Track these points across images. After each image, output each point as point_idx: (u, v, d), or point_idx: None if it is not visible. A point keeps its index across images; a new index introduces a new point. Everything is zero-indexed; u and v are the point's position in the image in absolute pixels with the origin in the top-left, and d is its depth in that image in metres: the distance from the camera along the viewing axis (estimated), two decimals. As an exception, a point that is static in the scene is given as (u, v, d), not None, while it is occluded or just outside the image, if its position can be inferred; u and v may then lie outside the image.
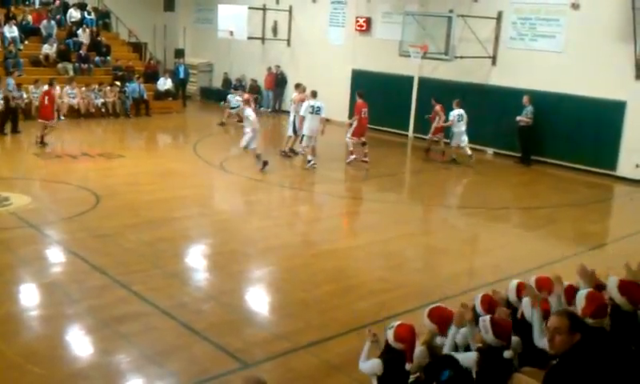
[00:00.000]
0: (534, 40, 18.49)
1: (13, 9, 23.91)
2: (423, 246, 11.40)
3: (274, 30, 25.50)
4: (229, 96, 22.45)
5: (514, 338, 5.02)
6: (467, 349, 5.11)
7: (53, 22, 23.92)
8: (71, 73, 22.54)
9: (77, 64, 23.02)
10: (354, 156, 16.90)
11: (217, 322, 7.58)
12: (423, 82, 19.81)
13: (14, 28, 22.50)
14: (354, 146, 16.96)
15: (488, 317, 4.97)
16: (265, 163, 14.93)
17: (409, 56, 18.95)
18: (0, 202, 11.67)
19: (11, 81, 19.13)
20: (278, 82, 25.34)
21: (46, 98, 16.93)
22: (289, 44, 25.21)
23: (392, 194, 14.86)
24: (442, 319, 5.29)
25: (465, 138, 17.57)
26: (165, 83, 24.35)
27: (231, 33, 23.37)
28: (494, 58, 19.28)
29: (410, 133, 20.53)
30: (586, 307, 4.84)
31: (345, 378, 6.49)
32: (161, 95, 24.03)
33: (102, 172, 14.64)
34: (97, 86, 21.99)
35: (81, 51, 23.34)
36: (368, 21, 22.35)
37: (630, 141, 16.77)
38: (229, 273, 9.24)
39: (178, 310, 7.72)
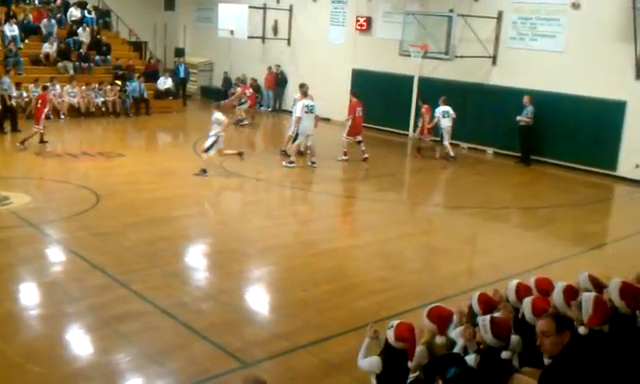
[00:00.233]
0: (534, 40, 18.49)
1: (13, 7, 23.93)
2: (423, 245, 11.40)
3: (275, 30, 25.50)
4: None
5: (515, 338, 5.02)
6: (466, 350, 5.11)
7: (53, 21, 23.92)
8: (71, 72, 22.54)
9: (77, 63, 23.03)
10: (346, 157, 16.93)
11: (216, 322, 7.59)
12: (423, 81, 19.83)
13: (15, 27, 22.50)
14: (348, 145, 17.04)
15: (488, 317, 4.97)
16: (204, 171, 14.56)
17: (409, 55, 18.95)
18: (0, 201, 11.68)
19: (6, 79, 19.11)
20: (279, 81, 25.34)
21: (40, 101, 16.73)
22: (289, 43, 25.22)
23: (392, 194, 14.86)
24: (441, 319, 5.29)
25: (447, 138, 17.96)
26: (165, 82, 24.35)
27: (231, 32, 23.37)
28: (494, 58, 19.29)
29: (410, 132, 20.54)
30: (593, 316, 4.82)
31: (344, 378, 6.49)
32: (161, 94, 24.04)
33: (102, 171, 14.65)
34: (97, 85, 21.99)
35: (81, 50, 23.36)
36: (368, 20, 22.35)
37: (630, 141, 16.77)
38: (228, 272, 9.24)
39: (177, 310, 7.72)
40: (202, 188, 14.06)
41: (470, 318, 5.47)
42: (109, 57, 24.29)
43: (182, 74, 25.81)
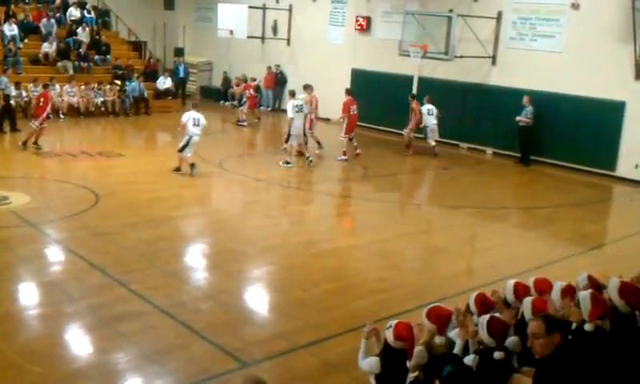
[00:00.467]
0: (533, 40, 18.49)
1: (13, 7, 23.89)
2: (422, 245, 11.41)
3: (274, 29, 25.49)
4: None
5: (513, 338, 5.01)
6: (466, 352, 5.11)
7: (52, 21, 23.89)
8: (71, 71, 22.52)
9: (76, 63, 23.01)
10: (345, 157, 16.98)
11: (215, 322, 7.58)
12: (423, 81, 19.82)
13: (14, 26, 22.47)
14: (347, 145, 17.19)
15: (487, 316, 4.98)
16: (177, 169, 14.47)
17: (409, 55, 18.94)
18: (-1, 200, 11.69)
19: (4, 79, 19.10)
20: (278, 81, 25.33)
21: (42, 99, 16.54)
22: (289, 43, 25.21)
23: (391, 194, 14.86)
24: (440, 319, 5.28)
25: (432, 136, 18.34)
26: (164, 82, 24.34)
27: (231, 32, 23.36)
28: (493, 58, 19.29)
29: (412, 133, 20.51)
30: (593, 310, 4.85)
31: (344, 378, 6.49)
32: (160, 94, 24.02)
33: (102, 171, 14.64)
34: (96, 85, 21.98)
35: (80, 50, 23.34)
36: (368, 20, 22.35)
37: (629, 141, 16.77)
38: (227, 272, 9.24)
39: (176, 309, 7.72)
40: (201, 188, 14.06)
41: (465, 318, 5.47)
42: (108, 56, 24.27)
43: (181, 74, 25.79)
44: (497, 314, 5.20)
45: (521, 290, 5.67)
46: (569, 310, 5.25)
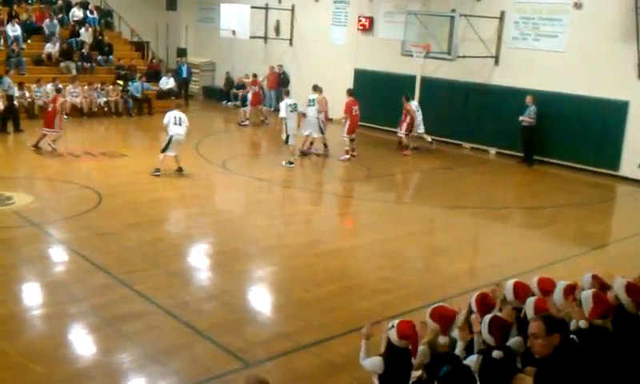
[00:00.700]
0: (536, 40, 18.46)
1: (16, 7, 23.96)
2: (425, 245, 11.40)
3: (277, 30, 25.49)
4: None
5: (517, 339, 5.02)
6: (470, 351, 5.12)
7: (55, 21, 23.95)
8: (74, 72, 22.57)
9: (79, 63, 23.07)
10: (348, 156, 17.02)
11: (218, 322, 7.59)
12: (426, 81, 19.80)
13: (17, 27, 22.53)
14: (350, 144, 17.25)
15: (490, 315, 4.99)
16: (157, 171, 14.21)
17: (411, 55, 18.93)
18: (3, 201, 11.70)
19: (7, 79, 19.13)
20: (281, 81, 25.32)
21: (51, 105, 16.36)
22: (291, 43, 25.22)
23: (394, 194, 14.85)
24: (444, 319, 5.29)
25: (422, 127, 18.85)
26: (167, 82, 24.37)
27: (233, 32, 23.37)
28: (496, 58, 19.26)
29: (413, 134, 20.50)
30: (594, 309, 4.85)
31: (346, 378, 6.50)
32: (163, 94, 24.04)
33: (105, 171, 14.66)
34: (99, 85, 22.02)
35: (83, 50, 23.39)
36: (370, 20, 22.33)
37: (632, 141, 16.74)
38: (230, 272, 9.24)
39: (179, 310, 7.73)
40: (204, 188, 14.08)
41: (469, 318, 5.48)
42: (111, 57, 24.32)
43: (184, 74, 25.81)
44: (499, 314, 5.21)
45: (520, 290, 5.67)
46: (571, 309, 5.25)
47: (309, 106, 17.14)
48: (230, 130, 22.13)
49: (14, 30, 22.29)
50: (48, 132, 15.88)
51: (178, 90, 24.99)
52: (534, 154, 18.06)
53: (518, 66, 18.65)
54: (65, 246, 9.87)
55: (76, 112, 21.18)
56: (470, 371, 4.66)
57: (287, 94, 16.66)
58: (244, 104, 22.64)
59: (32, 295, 8.26)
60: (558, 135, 17.84)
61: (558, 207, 14.09)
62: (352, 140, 17.39)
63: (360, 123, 18.34)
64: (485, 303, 5.54)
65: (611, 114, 17.01)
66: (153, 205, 12.71)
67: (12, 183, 13.08)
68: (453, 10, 18.58)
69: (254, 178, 15.04)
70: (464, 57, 18.56)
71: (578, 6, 17.49)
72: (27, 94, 20.00)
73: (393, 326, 4.99)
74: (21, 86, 19.84)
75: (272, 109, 25.44)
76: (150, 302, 7.90)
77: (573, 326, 5.00)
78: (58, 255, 9.66)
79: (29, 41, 23.11)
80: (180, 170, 14.32)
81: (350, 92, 18.13)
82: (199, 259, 10.13)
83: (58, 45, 22.93)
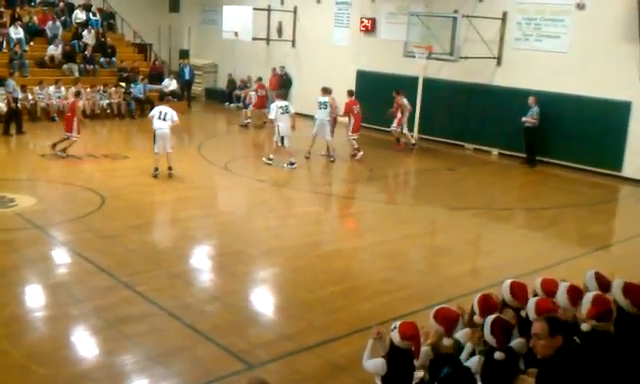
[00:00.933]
0: (538, 40, 18.45)
1: (18, 10, 24.00)
2: (427, 246, 11.40)
3: (279, 31, 25.50)
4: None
5: (519, 340, 5.01)
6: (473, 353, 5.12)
7: (58, 23, 24.00)
8: (76, 74, 22.60)
9: (82, 65, 23.10)
10: (361, 152, 17.08)
11: (221, 323, 7.59)
12: (428, 82, 19.81)
13: (20, 29, 22.58)
14: (357, 141, 17.41)
15: (492, 317, 4.98)
16: (156, 169, 14.20)
17: (414, 57, 18.94)
18: (5, 203, 11.72)
19: (11, 82, 19.17)
20: (283, 83, 25.32)
21: (70, 109, 16.20)
22: (293, 45, 25.23)
23: (396, 195, 14.85)
24: (447, 320, 5.28)
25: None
26: (170, 84, 24.39)
27: (236, 34, 23.39)
28: (498, 59, 19.26)
29: (415, 133, 20.49)
30: (589, 310, 4.85)
31: (349, 379, 6.49)
32: (166, 96, 24.02)
33: (107, 173, 14.68)
34: (102, 87, 22.05)
35: (86, 52, 23.42)
36: (373, 21, 22.34)
37: (635, 141, 16.71)
38: (233, 274, 9.24)
39: (182, 311, 7.74)
40: (206, 190, 14.09)
41: (472, 319, 5.48)
42: (114, 59, 24.34)
43: (186, 76, 25.80)
44: (501, 315, 5.20)
45: (517, 290, 5.65)
46: (575, 310, 5.24)
47: (320, 108, 17.01)
48: (232, 131, 22.14)
49: (16, 32, 22.34)
50: (67, 136, 15.83)
51: (181, 91, 25.02)
52: (536, 154, 18.04)
53: (521, 66, 18.64)
54: (67, 248, 9.88)
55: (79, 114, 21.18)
56: (471, 373, 4.66)
57: (279, 96, 16.70)
58: (246, 106, 22.64)
59: (35, 297, 8.27)
60: (561, 136, 17.82)
61: (560, 208, 14.08)
62: (354, 139, 17.44)
63: (362, 124, 18.34)
64: (487, 304, 5.53)
65: (614, 115, 16.99)
66: (155, 206, 12.75)
67: (15, 185, 13.10)
68: (455, 11, 18.60)
69: (255, 179, 15.04)
70: (466, 58, 18.56)
71: (580, 6, 17.48)
72: (30, 97, 20.03)
73: (395, 328, 4.99)
74: (24, 88, 19.86)
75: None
76: (152, 304, 7.91)
77: (585, 328, 4.99)
78: (61, 257, 9.67)
79: (31, 43, 23.15)
80: (170, 169, 14.13)
81: (350, 93, 18.19)
82: (201, 261, 10.13)
83: (60, 47, 22.97)
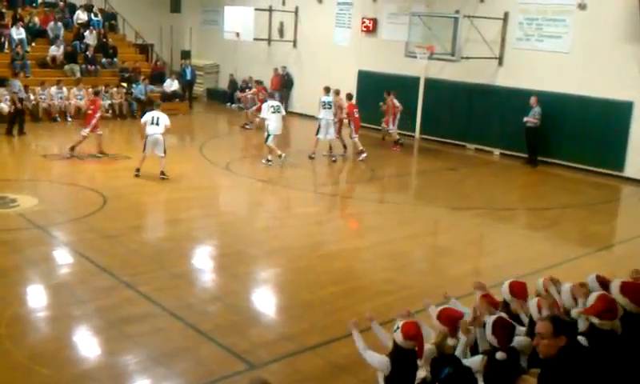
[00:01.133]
0: (540, 40, 18.45)
1: (20, 10, 24.03)
2: (429, 246, 11.40)
3: (280, 31, 25.52)
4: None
5: (522, 339, 5.01)
6: (476, 353, 5.12)
7: (60, 24, 24.02)
8: (78, 74, 22.64)
9: (84, 66, 23.13)
10: (365, 154, 17.20)
11: (223, 323, 7.60)
12: (429, 82, 19.81)
13: (22, 30, 22.62)
14: (360, 141, 17.51)
15: (494, 316, 4.99)
16: (137, 170, 14.16)
17: (415, 57, 18.94)
18: (7, 203, 11.74)
19: (17, 82, 19.19)
20: (285, 83, 25.35)
21: (91, 106, 16.16)
22: (295, 45, 25.24)
23: (398, 195, 14.85)
24: (452, 321, 5.28)
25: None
26: (171, 85, 24.41)
27: (237, 34, 23.40)
28: (500, 59, 19.26)
29: (417, 134, 20.50)
30: (592, 306, 4.86)
31: (351, 379, 6.50)
32: (167, 97, 24.07)
33: (109, 173, 14.70)
34: (103, 88, 22.05)
35: (87, 53, 23.45)
36: (374, 22, 22.35)
37: (637, 141, 16.71)
38: (234, 274, 9.25)
39: (184, 311, 7.74)
40: (207, 190, 14.09)
41: (474, 319, 5.48)
42: (115, 59, 24.37)
43: (188, 77, 25.83)
44: (503, 315, 5.20)
45: (516, 289, 5.65)
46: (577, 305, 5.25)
47: (324, 108, 17.09)
48: (233, 132, 22.15)
49: (18, 33, 22.37)
50: (87, 133, 15.86)
51: (182, 92, 25.04)
52: (538, 154, 18.04)
53: (522, 66, 18.64)
54: (69, 248, 9.89)
55: (80, 114, 21.20)
56: (472, 373, 4.66)
57: (272, 96, 17.09)
58: (247, 107, 22.65)
59: (37, 297, 8.28)
60: (563, 136, 17.83)
61: (562, 208, 14.07)
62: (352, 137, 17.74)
63: (364, 125, 18.41)
64: (490, 305, 5.53)
65: (616, 115, 16.99)
66: (157, 207, 12.77)
67: (17, 186, 13.12)
68: (456, 11, 18.60)
69: (257, 179, 15.05)
70: (468, 58, 18.56)
71: (581, 6, 17.47)
72: (32, 97, 20.05)
73: (398, 328, 4.98)
74: (25, 88, 19.91)
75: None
76: (154, 304, 7.92)
77: (583, 327, 4.99)
78: (63, 257, 9.68)
79: (33, 44, 23.18)
80: (162, 173, 14.05)
81: (349, 96, 18.19)
82: (203, 261, 10.13)
83: (62, 48, 23.00)
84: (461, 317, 5.33)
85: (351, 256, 10.38)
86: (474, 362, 4.82)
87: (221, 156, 17.02)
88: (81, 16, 25.19)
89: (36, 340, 7.10)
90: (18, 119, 18.39)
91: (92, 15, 25.48)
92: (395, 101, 19.13)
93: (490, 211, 13.37)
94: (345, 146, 18.00)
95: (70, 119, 20.85)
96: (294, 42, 25.24)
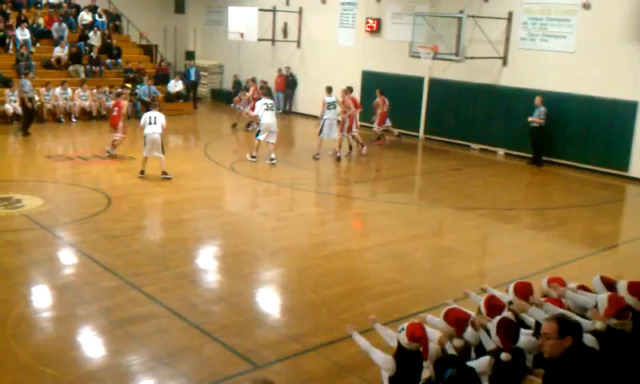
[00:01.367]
0: (544, 40, 18.41)
1: (24, 12, 24.09)
2: (434, 247, 11.37)
3: (284, 32, 25.53)
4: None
5: (531, 339, 5.00)
6: (481, 353, 5.10)
7: (64, 25, 24.07)
8: (82, 75, 22.69)
9: (88, 66, 23.18)
10: (365, 148, 17.48)
11: (227, 324, 7.60)
12: (434, 83, 19.79)
13: (26, 31, 22.68)
14: (360, 136, 17.86)
15: (498, 317, 4.98)
16: (141, 172, 14.21)
17: (419, 57, 18.93)
18: (12, 204, 11.76)
19: (27, 82, 19.22)
20: (289, 83, 25.36)
21: (115, 108, 16.21)
22: (299, 45, 25.25)
23: (402, 195, 14.83)
24: (458, 321, 5.28)
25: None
26: (175, 85, 24.44)
27: (241, 35, 23.41)
28: (504, 59, 19.22)
29: (421, 134, 20.51)
30: (608, 308, 4.84)
31: (355, 380, 6.49)
32: (172, 97, 24.12)
33: (114, 174, 14.72)
34: (108, 88, 22.11)
35: (92, 54, 23.48)
36: (378, 22, 22.34)
37: (642, 141, 16.68)
38: (239, 274, 9.25)
39: (188, 312, 7.75)
40: (211, 190, 14.09)
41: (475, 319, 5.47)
42: (119, 60, 24.41)
43: (192, 77, 25.86)
44: (507, 315, 5.19)
45: (520, 289, 5.64)
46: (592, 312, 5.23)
47: (329, 108, 17.17)
48: (237, 132, 22.12)
49: (23, 33, 22.44)
50: (115, 137, 15.94)
51: (186, 92, 25.07)
52: (542, 154, 18.00)
53: (526, 66, 18.61)
54: (74, 249, 9.91)
55: (85, 115, 21.30)
56: (475, 374, 4.65)
57: (265, 94, 17.47)
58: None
59: (41, 298, 8.30)
60: (567, 136, 17.79)
61: (567, 208, 14.04)
62: (352, 136, 17.91)
63: (367, 125, 18.37)
64: (494, 305, 5.52)
65: (620, 115, 16.94)
66: (161, 207, 12.78)
67: (22, 186, 13.14)
68: (460, 11, 18.57)
69: (261, 180, 15.06)
70: (472, 58, 18.54)
71: (586, 6, 17.43)
72: (36, 98, 20.10)
73: (403, 329, 4.97)
74: (30, 89, 19.96)
75: (280, 111, 25.48)
76: (158, 304, 7.92)
77: (590, 326, 4.97)
78: (68, 258, 9.70)
79: (38, 45, 23.24)
80: (164, 173, 14.09)
81: (349, 90, 18.30)
82: (208, 261, 10.14)
83: (66, 48, 23.05)
84: (467, 317, 5.32)
85: (356, 256, 10.37)
86: (481, 363, 4.81)
87: (225, 156, 17.04)
88: (85, 17, 25.25)
89: (41, 340, 7.11)
90: (24, 119, 18.44)
91: (96, 16, 25.53)
92: (386, 100, 19.16)
93: (495, 211, 13.35)
94: (351, 147, 18.00)
95: (74, 120, 20.89)
96: (298, 43, 25.25)
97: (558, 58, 17.99)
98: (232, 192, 14.64)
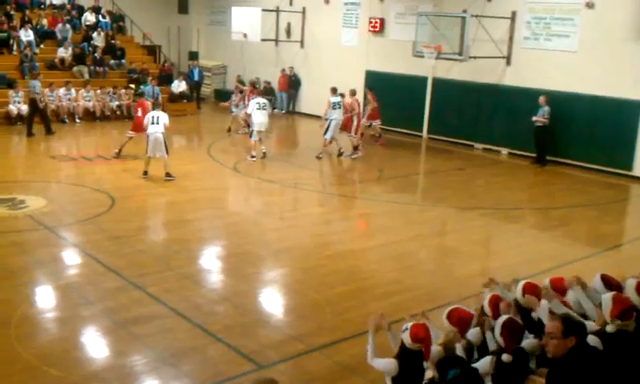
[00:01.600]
0: (548, 40, 18.38)
1: (28, 13, 24.14)
2: (437, 247, 11.36)
3: (288, 32, 25.53)
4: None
5: (531, 340, 4.99)
6: (483, 353, 5.10)
7: (68, 26, 24.12)
8: (86, 76, 22.72)
9: (92, 67, 23.22)
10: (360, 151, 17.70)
11: (231, 324, 7.60)
12: (437, 82, 19.77)
13: (30, 32, 22.73)
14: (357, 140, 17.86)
15: (503, 318, 4.97)
16: (145, 173, 14.26)
17: (422, 57, 18.89)
18: (16, 204, 11.79)
19: (37, 83, 19.26)
20: (292, 83, 25.37)
21: (139, 109, 16.03)
22: (302, 45, 25.25)
23: (405, 195, 14.83)
24: (461, 321, 5.27)
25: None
26: (179, 86, 24.46)
27: (245, 35, 23.42)
28: (508, 58, 19.20)
29: (424, 133, 20.50)
30: (613, 309, 4.82)
31: (359, 380, 6.49)
32: (175, 98, 24.14)
33: (117, 174, 14.74)
34: (112, 89, 22.15)
35: (96, 54, 23.53)
36: (381, 21, 22.32)
37: (646, 140, 16.63)
38: (242, 274, 9.26)
39: (192, 312, 7.75)
40: (215, 191, 14.10)
41: (482, 319, 5.46)
42: (123, 61, 24.45)
43: (195, 78, 25.89)
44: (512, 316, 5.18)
45: (528, 290, 5.62)
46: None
47: (334, 108, 17.17)
48: (240, 133, 22.10)
49: (26, 34, 22.49)
50: (133, 135, 15.93)
51: (190, 93, 25.09)
52: (546, 154, 17.97)
53: (530, 66, 18.58)
54: (78, 249, 9.92)
55: (89, 116, 21.34)
56: (478, 375, 4.64)
57: (259, 93, 17.98)
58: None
59: (45, 298, 8.31)
60: (571, 135, 17.75)
61: (570, 208, 14.01)
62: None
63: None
64: (498, 305, 5.51)
65: (624, 114, 16.90)
66: (165, 207, 12.79)
67: (25, 187, 13.17)
68: (464, 11, 18.55)
69: (265, 180, 15.06)
70: (475, 57, 18.50)
71: (589, 5, 17.39)
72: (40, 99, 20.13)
73: (406, 329, 4.97)
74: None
75: (283, 111, 25.51)
76: (162, 305, 7.93)
77: (592, 327, 4.96)
78: (71, 258, 9.72)
79: (41, 46, 23.29)
80: (168, 174, 14.07)
81: (353, 92, 18.30)
82: (211, 261, 10.15)
83: (70, 49, 23.08)
84: (470, 317, 5.32)
85: (359, 256, 10.37)
86: (483, 364, 4.80)
87: (228, 157, 17.06)
88: (89, 18, 25.30)
89: (45, 340, 7.12)
90: (29, 119, 18.48)
91: (100, 17, 25.58)
92: (375, 96, 19.10)
93: (498, 211, 13.33)
94: (355, 147, 17.97)
95: (78, 121, 20.93)
96: (302, 43, 25.25)
97: (561, 57, 17.95)
98: (235, 192, 14.66)
